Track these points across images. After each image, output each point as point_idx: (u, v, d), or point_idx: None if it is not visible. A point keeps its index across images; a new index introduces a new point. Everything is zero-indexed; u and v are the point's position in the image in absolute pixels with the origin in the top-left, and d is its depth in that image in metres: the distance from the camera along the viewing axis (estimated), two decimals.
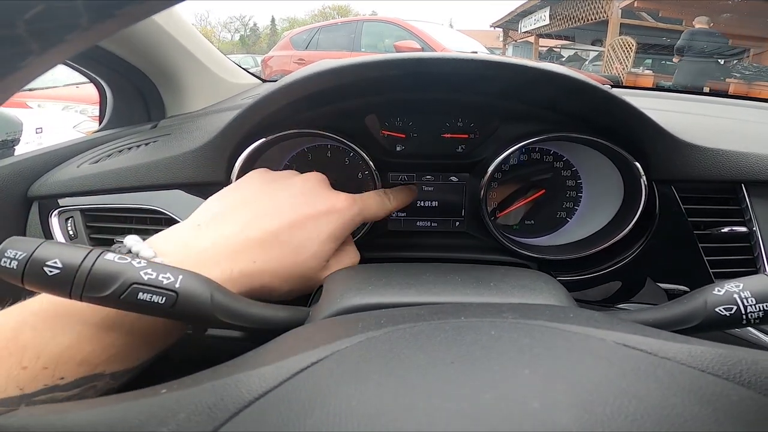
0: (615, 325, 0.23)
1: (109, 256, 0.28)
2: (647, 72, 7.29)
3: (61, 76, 3.66)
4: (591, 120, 0.56)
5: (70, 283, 0.27)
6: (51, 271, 0.26)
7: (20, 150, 0.84)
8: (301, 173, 0.45)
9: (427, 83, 0.55)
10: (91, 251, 0.28)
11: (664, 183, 0.54)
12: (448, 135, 0.63)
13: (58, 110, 3.31)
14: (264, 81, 1.08)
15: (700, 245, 0.54)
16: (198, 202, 0.56)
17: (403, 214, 0.65)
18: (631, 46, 7.08)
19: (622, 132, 0.53)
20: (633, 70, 7.09)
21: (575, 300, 0.37)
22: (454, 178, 0.63)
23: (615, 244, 0.55)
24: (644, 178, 0.53)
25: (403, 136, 0.64)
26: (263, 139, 0.54)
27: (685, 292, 0.54)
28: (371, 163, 0.57)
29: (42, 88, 3.65)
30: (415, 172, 0.63)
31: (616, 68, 7.24)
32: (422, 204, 0.64)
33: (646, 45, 7.51)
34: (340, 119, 0.58)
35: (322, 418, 0.17)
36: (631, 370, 0.19)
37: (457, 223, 0.65)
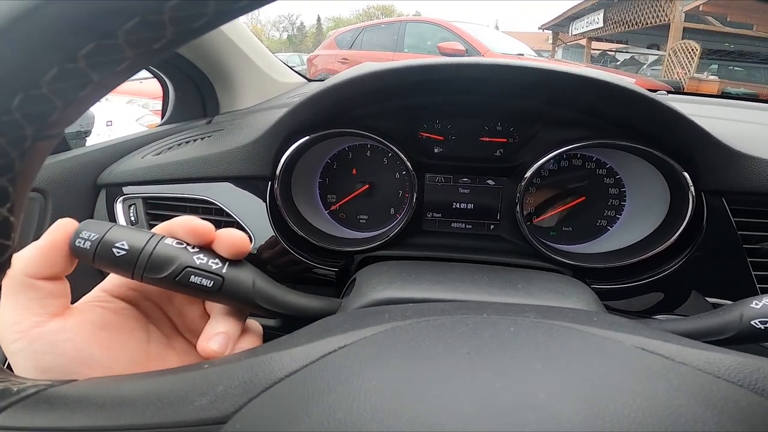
0: (637, 330, 0.24)
1: (168, 240, 0.31)
2: (712, 78, 6.77)
3: None
4: (637, 127, 0.54)
5: (134, 264, 0.29)
6: (118, 253, 0.29)
7: (91, 141, 0.92)
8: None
9: (467, 88, 0.55)
10: (153, 236, 0.31)
11: (713, 194, 0.52)
12: (487, 138, 0.64)
13: (123, 104, 3.56)
14: (309, 80, 1.12)
15: (748, 259, 0.51)
16: (245, 194, 0.60)
17: (438, 215, 0.66)
18: (695, 50, 6.62)
19: (670, 140, 0.51)
20: (696, 75, 6.63)
21: (615, 309, 0.36)
22: (490, 182, 0.64)
23: (656, 254, 0.53)
24: (692, 188, 0.50)
25: (441, 138, 0.65)
26: (307, 137, 0.56)
27: None
28: (408, 163, 0.58)
29: None
30: (452, 174, 0.64)
31: (678, 73, 6.78)
32: (458, 206, 0.65)
33: (711, 50, 6.99)
34: (381, 120, 0.60)
35: (343, 394, 0.18)
36: (643, 371, 0.19)
37: (492, 227, 0.65)
